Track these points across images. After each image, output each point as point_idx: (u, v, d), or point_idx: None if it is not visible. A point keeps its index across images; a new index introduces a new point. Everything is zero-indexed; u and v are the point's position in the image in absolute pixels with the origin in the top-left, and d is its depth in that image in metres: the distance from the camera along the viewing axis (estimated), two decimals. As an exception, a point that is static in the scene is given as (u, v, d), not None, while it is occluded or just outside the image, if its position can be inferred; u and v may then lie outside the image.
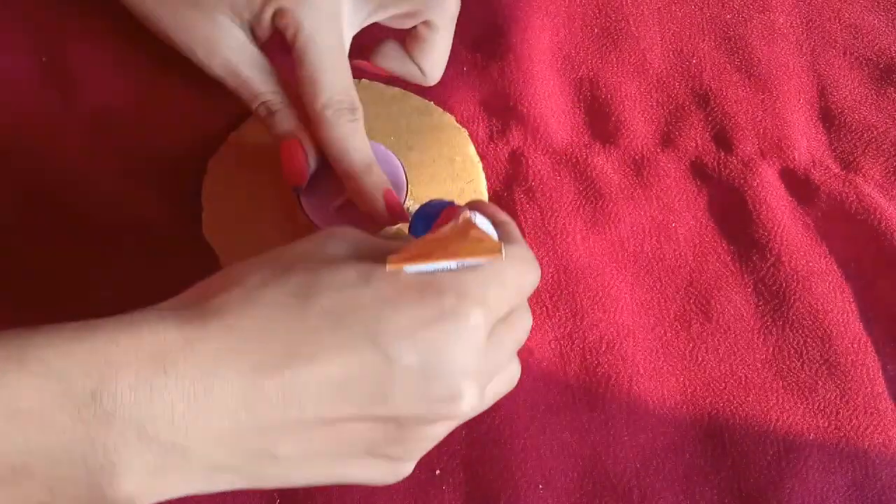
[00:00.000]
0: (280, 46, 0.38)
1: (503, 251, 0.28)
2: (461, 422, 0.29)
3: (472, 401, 0.27)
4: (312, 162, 0.38)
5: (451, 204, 0.34)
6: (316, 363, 0.26)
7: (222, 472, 0.26)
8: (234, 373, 0.25)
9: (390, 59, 0.40)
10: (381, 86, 0.43)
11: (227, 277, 0.28)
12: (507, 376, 0.32)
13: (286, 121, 0.38)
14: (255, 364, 0.25)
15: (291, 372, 0.25)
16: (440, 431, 0.29)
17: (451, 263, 0.28)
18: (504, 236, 0.31)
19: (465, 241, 0.28)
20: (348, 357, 0.26)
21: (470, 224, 0.29)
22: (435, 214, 0.33)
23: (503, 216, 0.33)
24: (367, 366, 0.26)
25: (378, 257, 0.28)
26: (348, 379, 0.26)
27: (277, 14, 0.37)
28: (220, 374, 0.25)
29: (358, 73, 0.40)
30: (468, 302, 0.27)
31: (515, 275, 0.30)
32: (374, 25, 0.40)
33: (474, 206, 0.33)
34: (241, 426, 0.25)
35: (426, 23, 0.38)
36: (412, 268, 0.27)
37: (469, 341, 0.27)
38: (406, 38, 0.40)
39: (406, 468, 0.30)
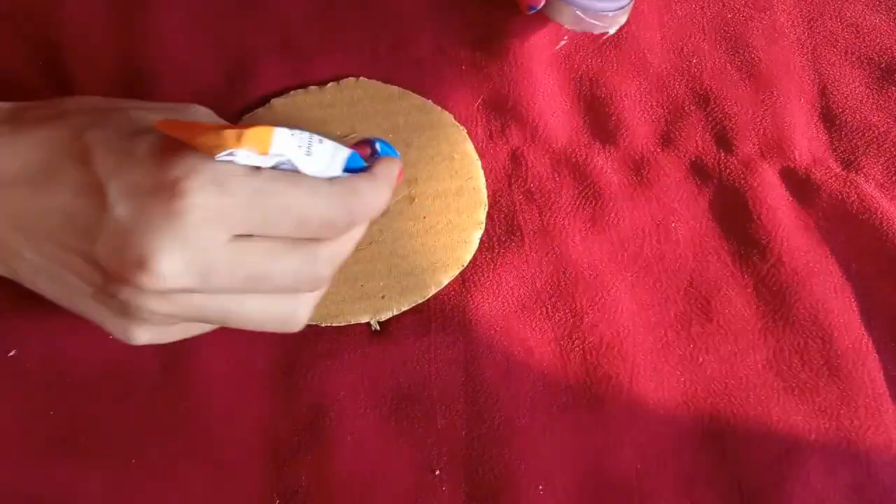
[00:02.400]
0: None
1: (232, 152, 0.27)
2: (160, 300, 0.28)
3: (161, 279, 0.27)
4: None
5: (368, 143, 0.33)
6: (53, 189, 0.29)
7: None
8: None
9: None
10: (380, 84, 0.43)
11: (59, 106, 0.31)
12: (235, 305, 0.30)
13: None
14: (14, 177, 0.29)
15: (36, 191, 0.29)
16: (142, 304, 0.28)
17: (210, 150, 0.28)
18: (370, 172, 0.31)
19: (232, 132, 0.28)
20: (79, 194, 0.28)
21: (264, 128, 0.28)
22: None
23: (394, 163, 0.32)
24: (90, 208, 0.28)
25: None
26: (75, 214, 0.28)
27: None
28: None
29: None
30: (193, 181, 0.27)
31: (296, 196, 0.29)
32: None
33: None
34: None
35: None
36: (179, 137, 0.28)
37: (177, 220, 0.27)
38: None
39: (133, 333, 0.30)
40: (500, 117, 0.43)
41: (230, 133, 0.27)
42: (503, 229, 0.41)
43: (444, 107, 0.43)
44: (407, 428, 0.37)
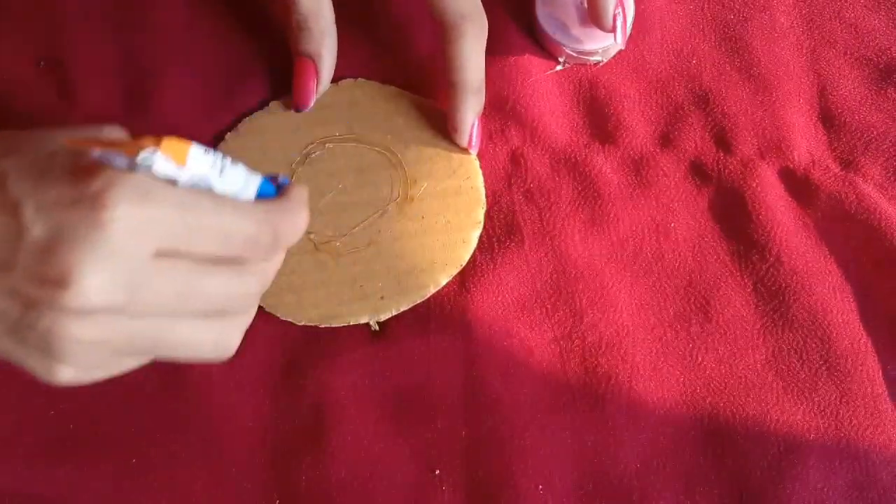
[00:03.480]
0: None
1: (150, 153, 0.26)
2: (85, 323, 0.26)
3: (85, 295, 0.25)
4: (321, 89, 0.41)
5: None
6: None
7: None
8: None
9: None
10: (378, 84, 0.43)
11: None
12: (166, 329, 0.28)
13: (312, 42, 0.40)
14: None
15: None
16: (65, 329, 0.26)
17: (123, 157, 0.26)
18: (281, 194, 0.31)
19: (138, 139, 0.27)
20: None
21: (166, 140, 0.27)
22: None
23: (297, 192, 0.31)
24: (6, 230, 0.26)
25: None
26: None
27: None
28: None
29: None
30: (115, 192, 0.25)
31: (220, 212, 0.28)
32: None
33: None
34: None
35: None
36: (96, 153, 0.27)
37: (101, 232, 0.25)
38: None
39: (57, 370, 0.28)
40: (499, 118, 0.43)
41: (149, 138, 0.27)
42: (503, 229, 0.41)
43: (443, 107, 0.43)
44: (407, 428, 0.37)
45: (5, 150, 0.28)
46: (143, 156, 0.26)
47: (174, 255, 0.27)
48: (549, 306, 0.40)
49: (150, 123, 0.42)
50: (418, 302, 0.39)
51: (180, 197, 0.27)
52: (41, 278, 0.26)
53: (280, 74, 0.43)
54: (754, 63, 0.45)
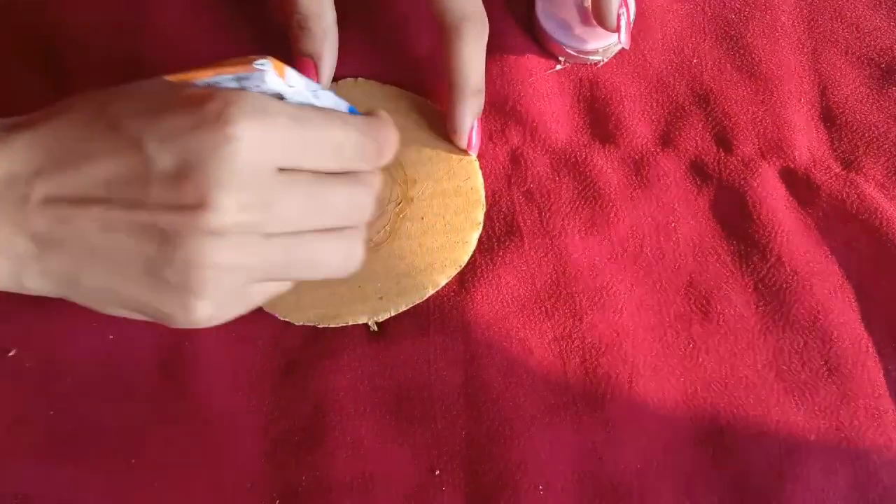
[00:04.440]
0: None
1: (264, 62, 0.27)
2: (224, 245, 0.27)
3: (224, 216, 0.26)
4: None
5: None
6: (85, 165, 0.27)
7: (23, 255, 0.28)
8: (19, 175, 0.28)
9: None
10: (378, 84, 0.43)
11: (69, 100, 0.30)
12: (297, 244, 0.29)
13: (313, 42, 0.40)
14: (39, 168, 0.27)
15: (68, 173, 0.27)
16: (207, 254, 0.27)
17: (229, 78, 0.27)
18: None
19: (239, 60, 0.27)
20: (116, 159, 0.27)
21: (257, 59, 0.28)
22: None
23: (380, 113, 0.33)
24: (131, 168, 0.26)
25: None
26: (114, 180, 0.27)
27: None
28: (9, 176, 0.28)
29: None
30: (234, 110, 0.26)
31: (324, 125, 0.29)
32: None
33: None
34: (27, 214, 0.27)
35: None
36: (201, 81, 0.28)
37: (227, 150, 0.26)
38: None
39: (195, 306, 0.28)
40: (499, 117, 0.43)
41: (252, 56, 0.27)
42: (503, 229, 0.41)
43: (443, 108, 0.43)
44: (407, 428, 0.37)
45: (110, 98, 0.29)
46: (259, 63, 0.27)
47: (294, 169, 0.28)
48: (548, 306, 0.40)
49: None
50: (417, 303, 0.39)
51: (293, 110, 0.28)
52: (177, 205, 0.26)
53: (280, 74, 0.43)
54: (755, 62, 0.45)
